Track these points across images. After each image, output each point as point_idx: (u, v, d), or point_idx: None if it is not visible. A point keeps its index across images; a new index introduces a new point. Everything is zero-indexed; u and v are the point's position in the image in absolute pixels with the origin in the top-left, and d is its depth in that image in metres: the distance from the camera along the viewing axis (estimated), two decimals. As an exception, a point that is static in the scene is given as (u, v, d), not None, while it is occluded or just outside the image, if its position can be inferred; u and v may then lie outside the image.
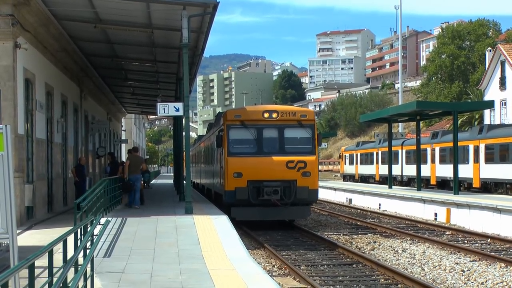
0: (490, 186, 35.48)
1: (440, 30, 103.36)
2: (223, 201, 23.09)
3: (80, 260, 9.06)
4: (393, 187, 39.27)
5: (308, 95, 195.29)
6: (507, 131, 35.45)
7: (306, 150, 22.81)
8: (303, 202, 22.60)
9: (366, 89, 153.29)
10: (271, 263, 16.88)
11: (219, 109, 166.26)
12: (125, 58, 29.71)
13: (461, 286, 13.99)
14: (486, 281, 14.35)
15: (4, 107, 14.75)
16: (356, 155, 59.04)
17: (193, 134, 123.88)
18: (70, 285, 7.63)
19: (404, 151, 46.63)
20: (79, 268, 8.48)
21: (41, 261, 7.75)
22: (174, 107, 21.86)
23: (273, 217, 22.91)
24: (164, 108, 22.02)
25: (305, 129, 23.11)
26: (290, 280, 14.41)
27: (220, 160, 23.90)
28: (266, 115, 22.90)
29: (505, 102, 57.23)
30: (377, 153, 52.04)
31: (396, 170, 45.21)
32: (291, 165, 22.23)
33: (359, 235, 22.79)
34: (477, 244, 20.35)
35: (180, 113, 21.84)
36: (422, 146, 38.86)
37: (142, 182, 27.17)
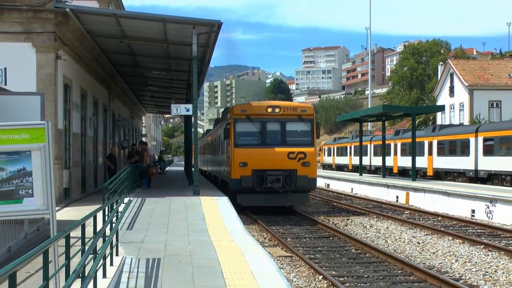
0: (441, 174, 35.59)
1: (403, 47, 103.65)
2: (230, 188, 21.29)
3: (107, 232, 9.05)
4: (363, 174, 39.28)
5: (295, 99, 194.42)
6: (455, 130, 35.64)
7: (305, 142, 20.93)
8: (302, 190, 20.88)
9: (342, 94, 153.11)
10: (263, 236, 16.88)
11: (222, 110, 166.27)
12: (145, 68, 29.68)
13: (417, 255, 14.03)
14: (437, 251, 14.41)
15: (46, 106, 14.73)
16: (333, 148, 59.03)
17: (200, 130, 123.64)
18: (99, 252, 7.62)
19: (372, 145, 46.70)
20: (106, 239, 8.49)
21: (75, 233, 7.74)
22: (185, 107, 21.84)
23: (275, 203, 20.94)
24: (177, 109, 22.02)
25: (305, 123, 21.20)
26: (278, 250, 14.44)
27: (227, 150, 22.07)
28: (269, 110, 21.07)
29: (453, 107, 57.44)
30: (350, 147, 52.07)
31: (365, 160, 45.24)
32: (292, 155, 20.46)
33: (335, 214, 22.81)
34: (430, 221, 20.39)
35: (190, 112, 21.83)
36: (387, 142, 38.98)
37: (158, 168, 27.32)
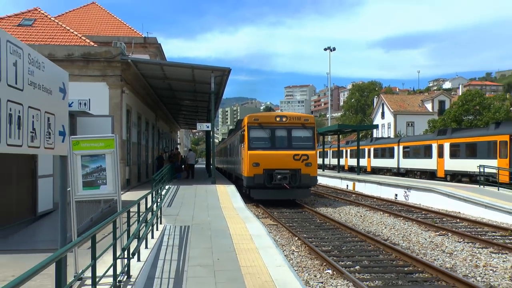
0: (376, 170, 35.68)
1: (351, 86, 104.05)
2: (244, 184, 18.06)
3: (154, 208, 9.10)
4: (325, 170, 39.31)
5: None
6: (385, 141, 35.82)
7: (308, 146, 17.70)
8: (305, 186, 17.75)
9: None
10: (258, 211, 16.82)
11: (231, 127, 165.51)
12: (179, 98, 29.67)
13: (360, 224, 14.06)
14: (372, 221, 14.45)
15: (115, 125, 14.85)
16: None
17: (216, 140, 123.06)
18: (148, 222, 7.67)
19: (331, 151, 46.75)
20: (153, 213, 8.54)
21: (134, 209, 7.79)
22: (206, 125, 21.91)
23: (283, 197, 17.62)
24: (200, 126, 22.09)
25: (308, 130, 17.98)
26: (268, 220, 14.46)
27: (242, 153, 18.74)
28: (277, 119, 17.95)
29: (384, 125, 57.71)
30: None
31: (326, 161, 45.33)
32: (297, 157, 17.36)
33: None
34: (368, 202, 20.44)
35: (209, 128, 21.90)
36: (340, 148, 39.07)
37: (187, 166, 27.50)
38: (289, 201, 19.48)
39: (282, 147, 17.67)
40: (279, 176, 17.03)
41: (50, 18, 20.51)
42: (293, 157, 17.41)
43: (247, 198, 18.57)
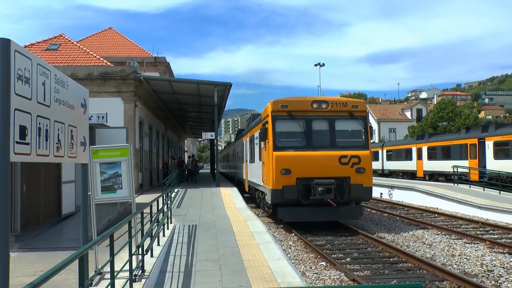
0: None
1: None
2: (269, 200, 11.45)
3: (165, 209, 9.07)
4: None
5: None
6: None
7: (359, 144, 11.11)
8: (356, 201, 11.18)
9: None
10: (258, 211, 16.70)
11: (233, 136, 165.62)
12: (186, 110, 29.66)
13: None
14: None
15: (129, 135, 14.81)
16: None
17: (219, 147, 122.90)
18: (160, 221, 7.64)
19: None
20: (164, 213, 8.51)
21: (147, 210, 7.77)
22: (210, 134, 21.96)
23: (325, 218, 11.02)
24: (205, 135, 22.14)
25: (357, 121, 11.25)
26: (267, 219, 14.39)
27: (263, 155, 11.94)
28: (315, 105, 11.15)
29: (369, 132, 57.90)
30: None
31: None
32: (344, 160, 10.74)
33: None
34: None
35: (213, 137, 21.93)
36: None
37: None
38: None
39: (322, 146, 11.01)
40: (320, 189, 10.51)
41: (73, 43, 20.68)
42: (339, 160, 10.82)
43: (245, 197, 18.39)
